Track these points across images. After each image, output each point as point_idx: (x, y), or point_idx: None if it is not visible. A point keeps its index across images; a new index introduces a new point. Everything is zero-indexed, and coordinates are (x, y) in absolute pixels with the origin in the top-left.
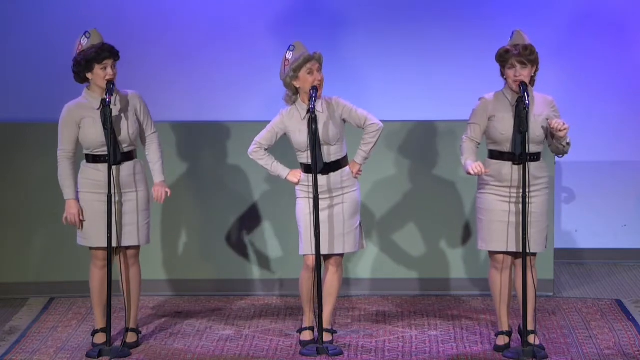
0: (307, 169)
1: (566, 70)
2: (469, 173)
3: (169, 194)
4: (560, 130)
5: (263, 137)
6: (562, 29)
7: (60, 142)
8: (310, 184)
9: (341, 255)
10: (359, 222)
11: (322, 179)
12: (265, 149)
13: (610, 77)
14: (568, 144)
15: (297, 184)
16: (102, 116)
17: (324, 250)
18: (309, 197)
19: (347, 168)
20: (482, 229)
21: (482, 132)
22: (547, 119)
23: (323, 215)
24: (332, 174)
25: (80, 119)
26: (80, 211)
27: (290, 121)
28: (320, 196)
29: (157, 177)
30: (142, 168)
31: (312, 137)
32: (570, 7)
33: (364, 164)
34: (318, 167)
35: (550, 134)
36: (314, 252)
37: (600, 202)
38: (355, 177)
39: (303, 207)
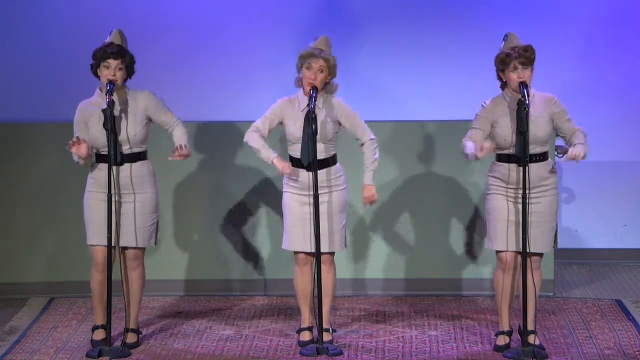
0: (293, 162)
1: (566, 70)
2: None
3: (184, 155)
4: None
5: (260, 122)
6: (562, 29)
7: None
8: (296, 178)
9: (331, 253)
10: (344, 221)
11: (306, 175)
12: (262, 135)
13: (611, 77)
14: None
15: (284, 172)
16: (103, 116)
17: (307, 248)
18: (292, 192)
19: (335, 167)
20: (490, 228)
21: (484, 137)
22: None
23: (308, 212)
24: (318, 172)
25: (88, 118)
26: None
27: (287, 110)
28: (303, 192)
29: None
30: (150, 170)
31: (311, 136)
32: (569, 7)
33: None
34: (306, 161)
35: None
36: (295, 249)
37: (601, 202)
38: (370, 204)
39: (287, 201)
